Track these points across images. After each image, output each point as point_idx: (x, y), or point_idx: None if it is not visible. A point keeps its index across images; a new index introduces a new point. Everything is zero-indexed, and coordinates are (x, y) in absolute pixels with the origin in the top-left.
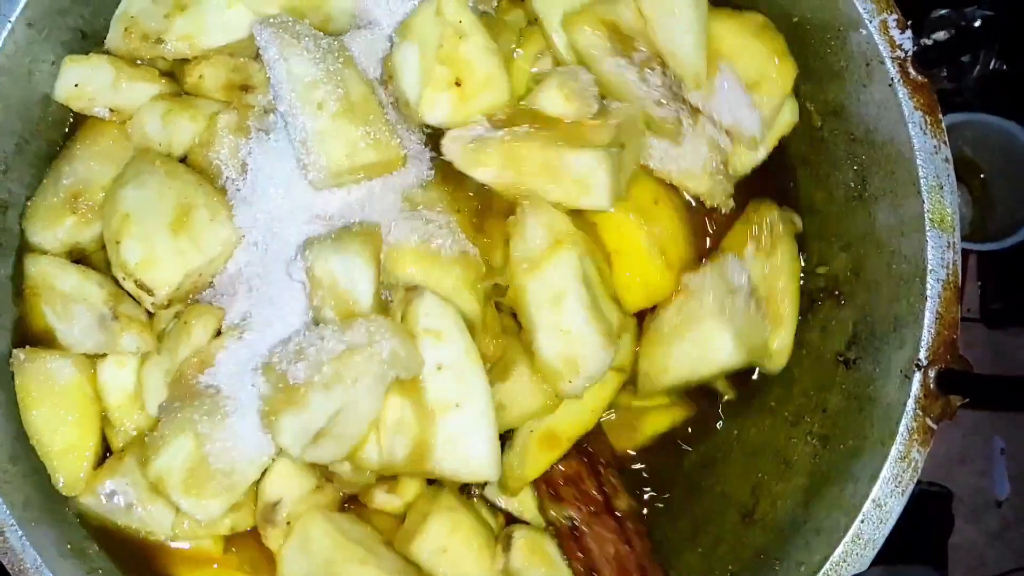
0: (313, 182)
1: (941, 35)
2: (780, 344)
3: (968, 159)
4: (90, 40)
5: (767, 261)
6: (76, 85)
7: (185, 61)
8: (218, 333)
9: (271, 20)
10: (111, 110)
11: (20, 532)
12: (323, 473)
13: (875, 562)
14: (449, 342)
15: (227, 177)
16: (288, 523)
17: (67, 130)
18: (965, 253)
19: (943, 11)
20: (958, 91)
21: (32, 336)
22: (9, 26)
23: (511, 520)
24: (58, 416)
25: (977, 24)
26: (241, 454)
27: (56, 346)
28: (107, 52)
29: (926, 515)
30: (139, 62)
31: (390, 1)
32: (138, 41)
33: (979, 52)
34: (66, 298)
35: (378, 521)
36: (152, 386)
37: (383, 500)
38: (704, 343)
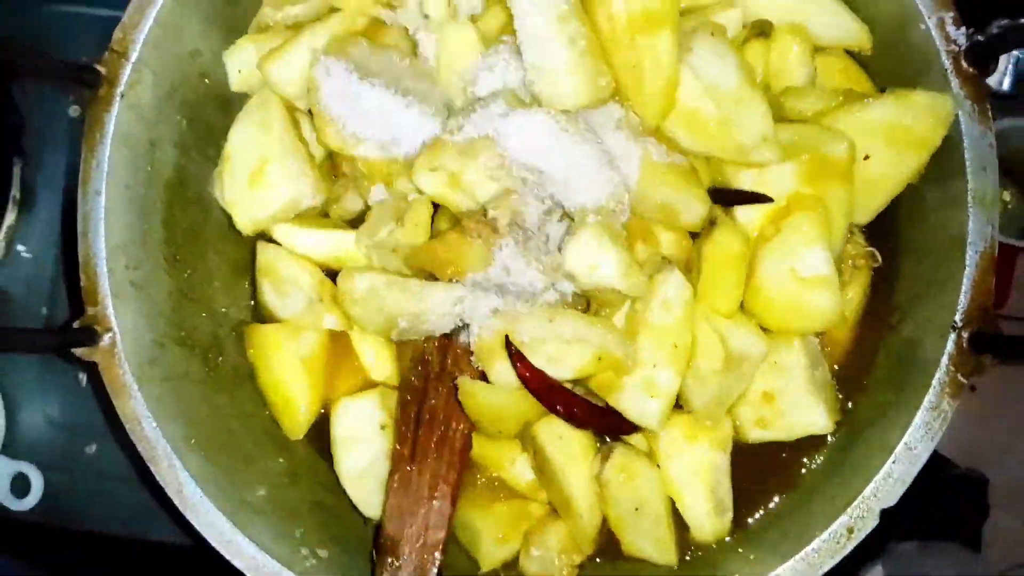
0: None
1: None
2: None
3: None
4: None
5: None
6: (240, 71)
7: None
8: None
9: None
10: None
11: (155, 424)
12: None
13: (908, 539)
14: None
15: None
16: None
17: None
18: (1016, 251)
19: (1004, 21)
20: (1018, 96)
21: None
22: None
23: None
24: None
25: None
26: None
27: (276, 319)
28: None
29: (961, 500)
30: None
31: None
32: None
33: None
34: (284, 280)
35: None
36: None
37: None
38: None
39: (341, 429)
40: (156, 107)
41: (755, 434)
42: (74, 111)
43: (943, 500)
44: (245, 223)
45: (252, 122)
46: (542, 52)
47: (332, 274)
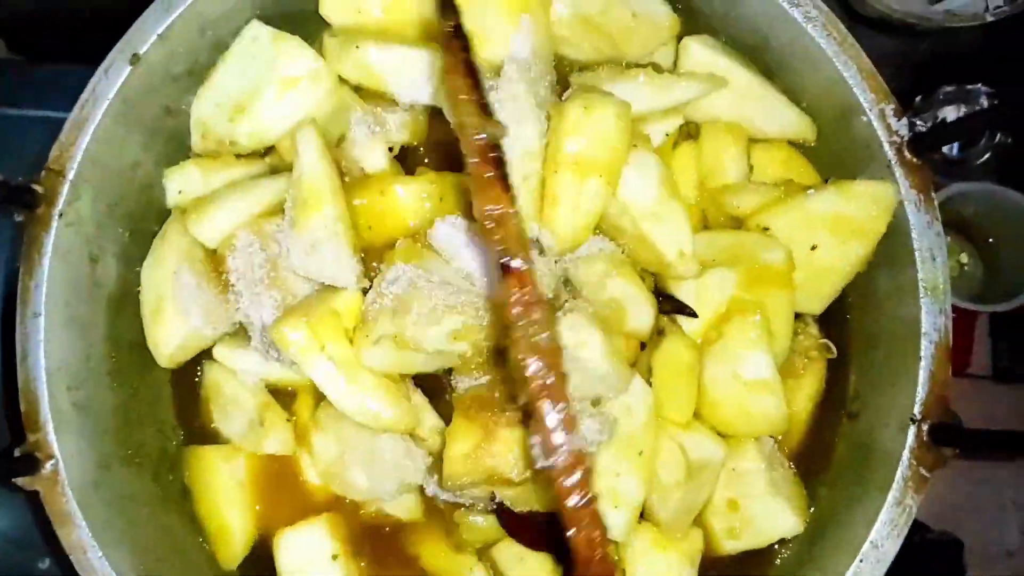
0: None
1: (950, 110)
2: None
3: (977, 224)
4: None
5: (795, 383)
6: (180, 191)
7: None
8: None
9: None
10: None
11: (100, 552)
12: None
13: None
14: None
15: None
16: None
17: None
18: (975, 314)
19: (950, 88)
20: (967, 160)
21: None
22: (107, 102)
23: None
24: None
25: (983, 104)
26: None
27: (221, 440)
28: (197, 156)
29: (937, 564)
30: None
31: None
32: (215, 144)
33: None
34: (228, 400)
35: None
36: None
37: None
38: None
39: (287, 561)
40: (96, 222)
41: (730, 545)
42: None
43: (920, 565)
44: (162, 359)
45: (152, 258)
46: None
47: (279, 393)
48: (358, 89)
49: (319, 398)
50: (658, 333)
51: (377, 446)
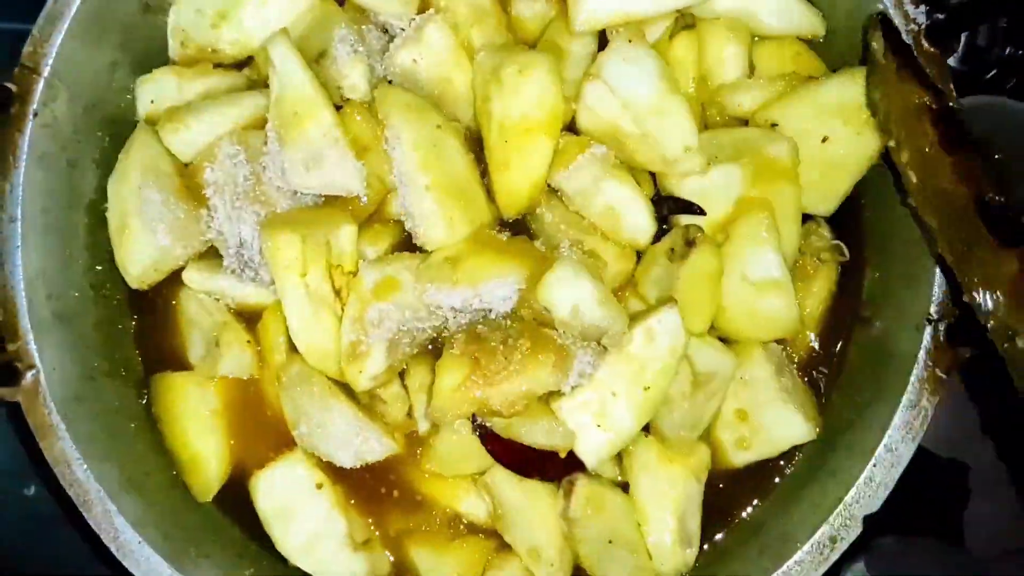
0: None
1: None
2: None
3: (984, 140)
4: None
5: (805, 286)
6: (152, 101)
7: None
8: None
9: None
10: None
11: (85, 466)
12: None
13: (888, 531)
14: None
15: None
16: None
17: None
18: None
19: None
20: (974, 73)
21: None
22: None
23: None
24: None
25: None
26: None
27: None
28: (175, 63)
29: (943, 489)
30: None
31: None
32: (196, 51)
33: (996, 35)
34: (190, 323)
35: None
36: None
37: None
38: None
39: (269, 502)
40: (73, 125)
41: (740, 457)
42: None
43: (925, 491)
44: (131, 279)
45: (117, 173)
46: (408, 193)
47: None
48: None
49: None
50: (687, 244)
51: (329, 419)
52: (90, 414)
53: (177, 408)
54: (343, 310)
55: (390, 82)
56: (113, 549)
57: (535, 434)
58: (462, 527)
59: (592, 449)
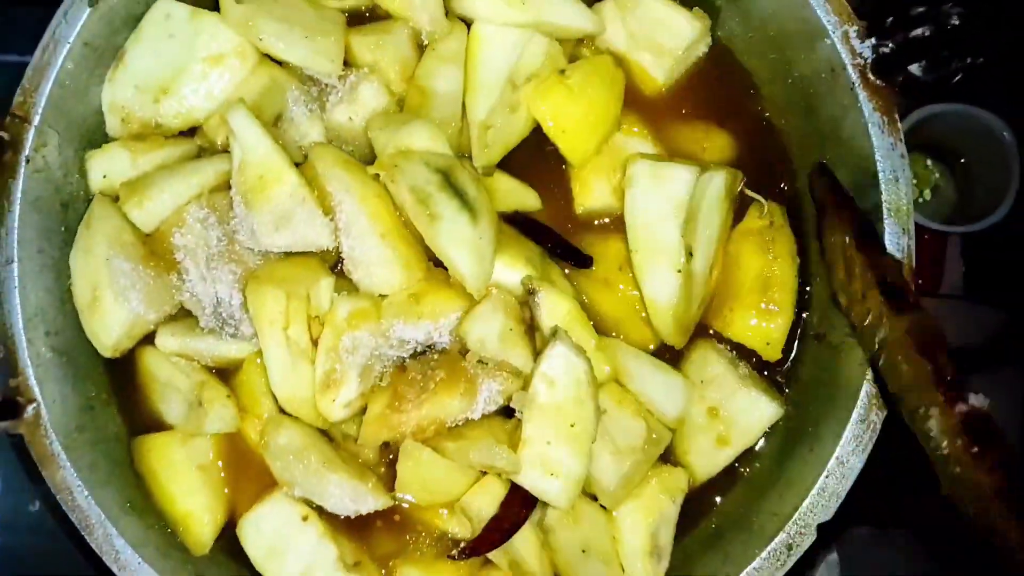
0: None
1: (920, 32)
2: (778, 332)
3: (949, 146)
4: None
5: (767, 254)
6: (104, 176)
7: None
8: None
9: None
10: None
11: (86, 492)
12: None
13: (864, 524)
14: None
15: None
16: None
17: None
18: (947, 235)
19: (921, 8)
20: (938, 82)
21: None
22: (68, 46)
23: None
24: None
25: (955, 22)
26: None
27: (164, 427)
28: (118, 138)
29: (913, 479)
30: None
31: None
32: (139, 127)
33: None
34: (164, 385)
35: None
36: None
37: None
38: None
39: (258, 544)
40: (65, 168)
41: (723, 456)
42: None
43: (897, 481)
44: (105, 350)
45: (80, 248)
46: (358, 245)
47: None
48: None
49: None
50: (530, 293)
51: (325, 489)
52: (90, 442)
53: (164, 468)
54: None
55: (330, 141)
56: (115, 570)
57: (483, 457)
58: (449, 544)
59: (557, 495)
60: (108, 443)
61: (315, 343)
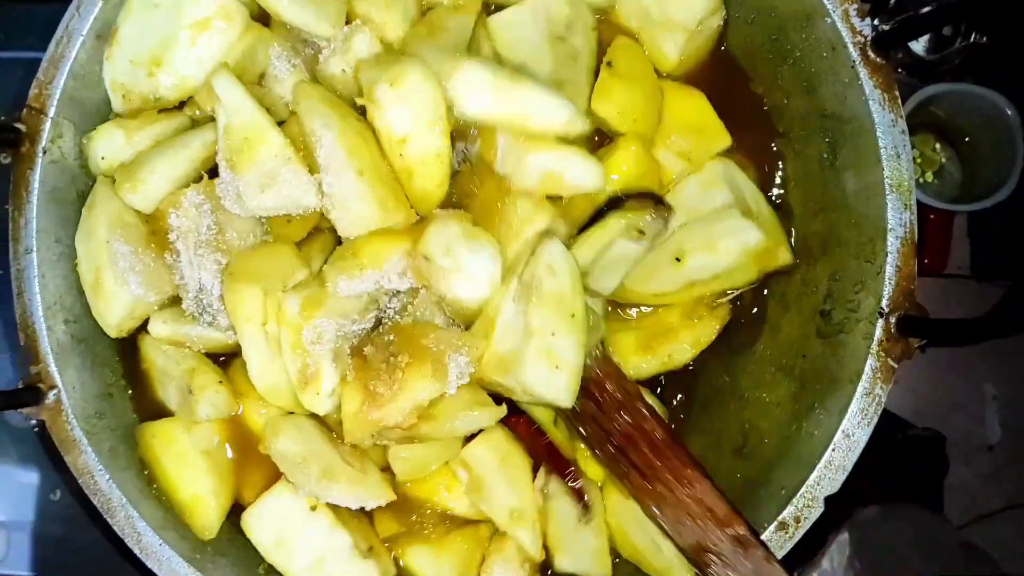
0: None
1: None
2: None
3: (954, 125)
4: None
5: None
6: (103, 157)
7: None
8: None
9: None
10: None
11: (107, 476)
12: None
13: (873, 502)
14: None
15: None
16: None
17: None
18: (953, 214)
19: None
20: (942, 61)
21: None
22: (81, 38)
23: None
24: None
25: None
26: None
27: (169, 414)
28: (120, 116)
29: (921, 459)
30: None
31: None
32: (140, 102)
33: (960, 25)
34: (161, 372)
35: None
36: None
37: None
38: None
39: (265, 536)
40: (80, 159)
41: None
42: (4, 158)
43: (904, 461)
44: (110, 329)
45: (83, 230)
46: (336, 181)
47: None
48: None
49: None
50: None
51: (330, 493)
52: (110, 427)
53: (167, 454)
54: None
55: None
56: (137, 551)
57: (468, 426)
58: (454, 519)
59: (561, 388)
60: (127, 428)
61: None
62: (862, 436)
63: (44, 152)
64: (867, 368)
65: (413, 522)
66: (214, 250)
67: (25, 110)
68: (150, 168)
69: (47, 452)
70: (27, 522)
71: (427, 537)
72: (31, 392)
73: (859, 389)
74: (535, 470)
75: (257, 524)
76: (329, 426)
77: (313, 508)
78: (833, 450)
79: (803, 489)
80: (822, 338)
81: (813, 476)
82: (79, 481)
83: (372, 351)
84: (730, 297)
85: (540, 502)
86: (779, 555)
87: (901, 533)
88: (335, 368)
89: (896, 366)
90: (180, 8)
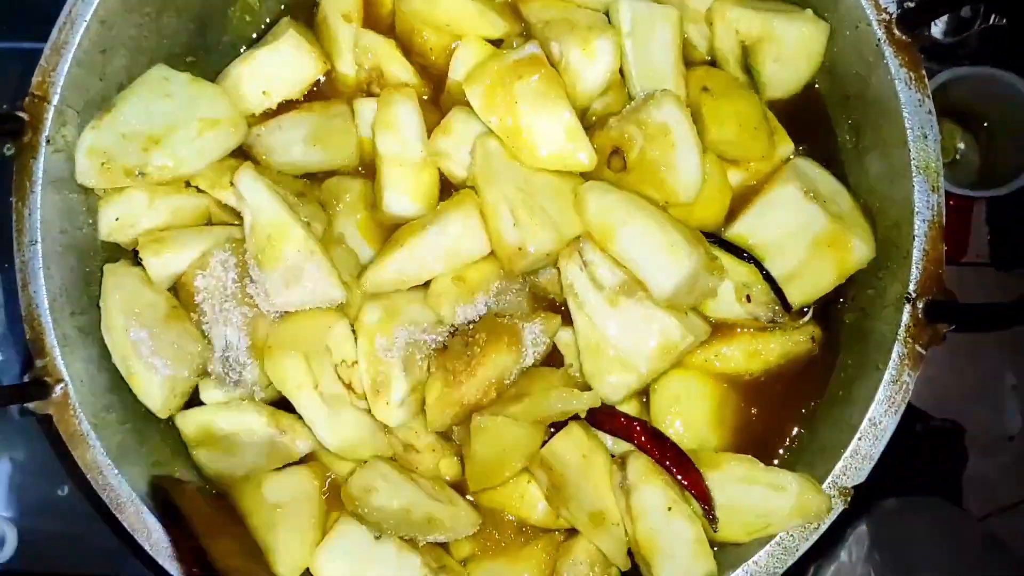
0: None
1: None
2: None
3: (972, 110)
4: None
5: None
6: (117, 219)
7: None
8: None
9: None
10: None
11: (116, 471)
12: None
13: (891, 495)
14: None
15: None
16: None
17: None
18: (972, 200)
19: None
20: (960, 45)
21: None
22: (84, 24)
23: None
24: None
25: None
26: None
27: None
28: (82, 185)
29: (940, 450)
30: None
31: None
32: (120, 173)
33: (979, 7)
34: (229, 437)
35: None
36: None
37: None
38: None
39: (338, 571)
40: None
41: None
42: (8, 149)
43: (923, 453)
44: (159, 412)
45: (104, 321)
46: None
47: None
48: None
49: None
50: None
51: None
52: (118, 422)
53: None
54: (358, 397)
55: None
56: (147, 547)
57: (562, 405)
58: (530, 530)
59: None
60: (136, 422)
61: (349, 386)
62: (889, 425)
63: (48, 141)
64: (894, 355)
65: (488, 537)
66: (239, 303)
67: (28, 98)
68: (180, 243)
69: (54, 447)
70: (34, 518)
71: (503, 550)
72: (38, 386)
73: (886, 376)
74: None
75: (328, 562)
76: (402, 464)
77: (378, 537)
78: (860, 439)
79: (828, 479)
80: (847, 324)
81: (839, 465)
82: (88, 476)
83: (452, 341)
84: None
85: (622, 504)
86: (805, 546)
87: (921, 526)
88: (405, 376)
89: (924, 352)
90: (195, 104)
